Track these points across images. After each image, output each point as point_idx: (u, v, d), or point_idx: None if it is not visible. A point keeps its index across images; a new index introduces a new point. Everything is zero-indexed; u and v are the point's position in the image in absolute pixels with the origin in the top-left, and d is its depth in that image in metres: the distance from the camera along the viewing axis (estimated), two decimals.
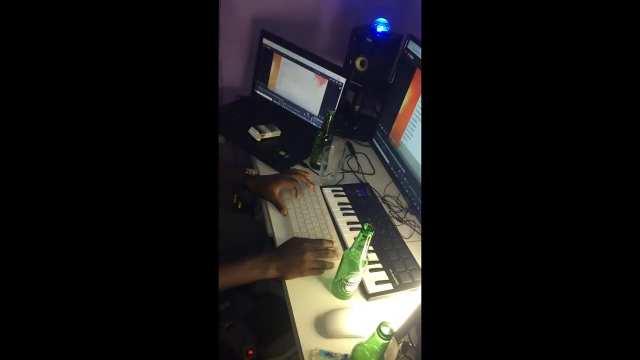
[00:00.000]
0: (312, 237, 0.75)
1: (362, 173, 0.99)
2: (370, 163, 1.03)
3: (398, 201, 0.92)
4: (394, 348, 0.58)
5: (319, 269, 0.68)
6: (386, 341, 0.46)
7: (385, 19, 1.02)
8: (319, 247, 0.69)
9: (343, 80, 0.98)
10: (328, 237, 0.75)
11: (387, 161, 1.00)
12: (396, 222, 0.85)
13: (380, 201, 0.90)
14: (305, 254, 0.66)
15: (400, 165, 0.94)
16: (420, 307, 0.55)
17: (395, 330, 0.56)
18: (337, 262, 0.68)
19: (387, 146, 1.01)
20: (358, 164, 1.02)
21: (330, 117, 0.88)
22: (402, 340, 0.59)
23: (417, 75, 0.89)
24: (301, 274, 0.67)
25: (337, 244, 0.74)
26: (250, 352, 0.81)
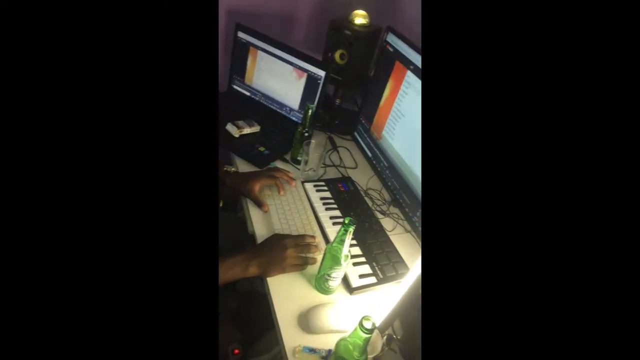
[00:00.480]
0: (294, 233, 0.74)
1: (345, 167, 0.99)
2: (353, 157, 1.03)
3: (381, 194, 0.92)
4: (378, 341, 0.57)
5: (301, 265, 0.67)
6: (368, 335, 0.45)
7: (364, 11, 1.01)
8: (301, 242, 0.68)
9: (322, 73, 0.97)
10: (310, 233, 0.74)
11: (370, 154, 1.00)
12: (379, 215, 0.85)
13: (363, 195, 0.89)
14: (287, 251, 0.65)
15: (382, 159, 0.93)
16: (403, 299, 0.55)
17: (378, 323, 0.56)
18: (319, 257, 0.67)
19: (368, 139, 1.00)
20: (340, 158, 1.02)
21: (310, 111, 0.87)
22: (386, 332, 0.59)
23: (397, 68, 0.88)
24: (283, 270, 0.66)
25: (319, 239, 0.73)
26: (236, 351, 0.79)
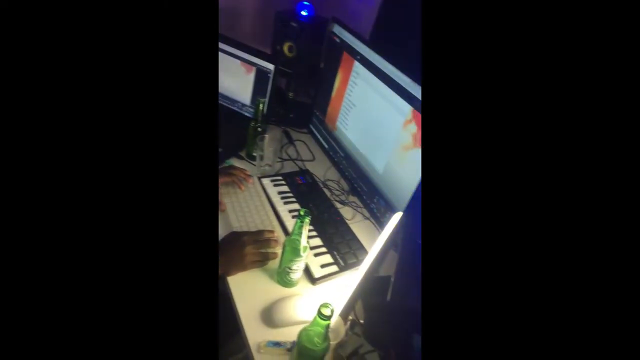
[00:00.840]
0: (253, 229, 0.73)
1: (302, 160, 0.99)
2: (310, 149, 1.03)
3: (339, 184, 0.93)
4: (341, 326, 0.59)
5: (261, 261, 0.66)
6: (327, 322, 0.46)
7: (308, 2, 1.01)
8: (260, 238, 0.67)
9: (272, 67, 0.95)
10: (269, 228, 0.74)
11: (326, 146, 1.00)
12: (338, 205, 0.86)
13: (322, 186, 0.90)
14: (246, 248, 0.64)
15: (338, 149, 0.95)
16: (362, 283, 0.56)
17: (339, 309, 0.57)
18: (280, 252, 0.67)
19: (324, 131, 1.01)
20: (297, 151, 1.01)
21: (261, 106, 0.86)
22: (350, 318, 0.60)
23: (345, 59, 0.89)
24: (244, 268, 0.65)
25: (278, 233, 0.73)
26: None
